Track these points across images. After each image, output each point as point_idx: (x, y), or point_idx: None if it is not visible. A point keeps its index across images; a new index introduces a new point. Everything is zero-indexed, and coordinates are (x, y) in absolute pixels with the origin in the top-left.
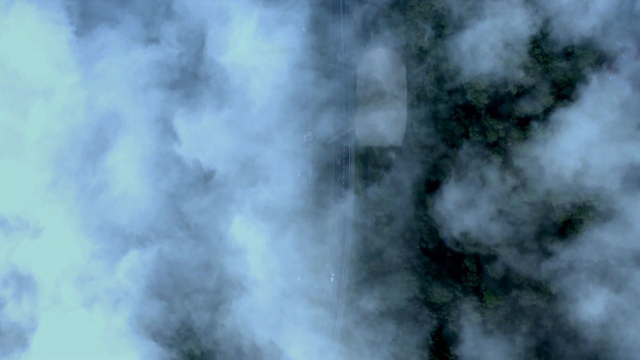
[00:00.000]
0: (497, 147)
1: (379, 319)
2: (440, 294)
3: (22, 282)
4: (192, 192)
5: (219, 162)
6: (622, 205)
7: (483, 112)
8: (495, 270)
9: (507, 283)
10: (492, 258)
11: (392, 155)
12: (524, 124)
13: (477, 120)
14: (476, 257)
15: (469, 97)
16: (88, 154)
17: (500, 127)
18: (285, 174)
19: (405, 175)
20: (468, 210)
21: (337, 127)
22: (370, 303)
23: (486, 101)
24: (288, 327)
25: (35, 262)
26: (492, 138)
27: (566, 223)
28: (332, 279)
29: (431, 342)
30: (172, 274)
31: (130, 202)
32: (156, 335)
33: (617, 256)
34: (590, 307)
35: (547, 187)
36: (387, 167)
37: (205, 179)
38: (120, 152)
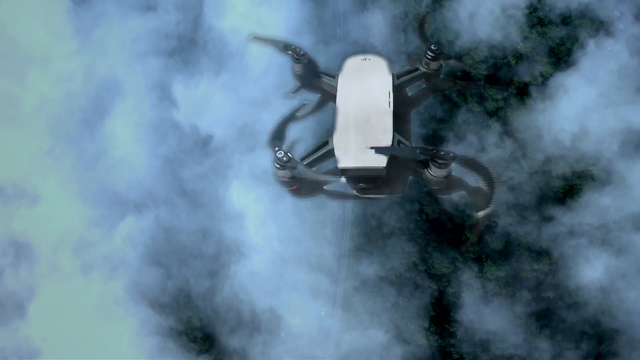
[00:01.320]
0: (497, 116)
1: (379, 285)
2: (440, 264)
3: (20, 250)
4: (190, 158)
5: (217, 127)
6: (621, 170)
7: (482, 82)
8: (495, 241)
9: (508, 253)
10: (493, 228)
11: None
12: (523, 92)
13: (474, 89)
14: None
15: (467, 66)
16: (86, 121)
17: (499, 97)
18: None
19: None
20: (467, 174)
21: None
22: (369, 268)
23: (485, 72)
24: (287, 293)
25: (33, 229)
26: (492, 107)
27: (566, 189)
28: (331, 244)
29: (431, 310)
30: (169, 241)
31: (128, 168)
32: (153, 302)
33: (617, 220)
34: (591, 271)
35: (547, 153)
36: None
37: (203, 145)
38: (118, 119)
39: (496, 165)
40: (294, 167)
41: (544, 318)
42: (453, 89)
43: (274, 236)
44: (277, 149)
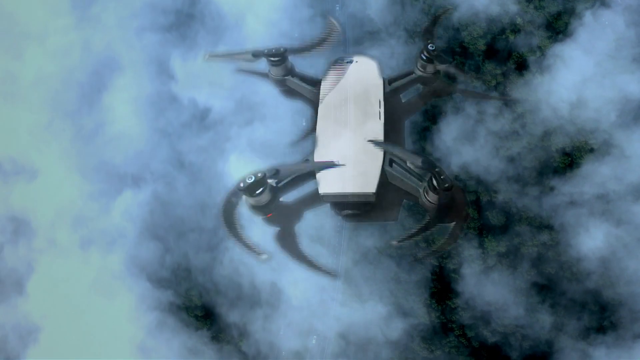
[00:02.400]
0: (496, 90)
1: (378, 258)
2: (440, 239)
3: (19, 226)
4: (188, 131)
5: (215, 99)
6: (619, 139)
7: (481, 58)
8: (496, 217)
9: (508, 226)
10: (493, 204)
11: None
12: (521, 67)
13: (473, 64)
14: (477, 203)
15: (466, 42)
16: (83, 96)
17: (498, 71)
18: (282, 111)
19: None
20: (466, 145)
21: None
22: (368, 240)
23: (483, 47)
24: (287, 265)
25: (32, 205)
26: (492, 83)
27: (566, 161)
28: (330, 216)
29: (432, 285)
30: (167, 214)
31: (126, 141)
32: (152, 276)
33: (617, 190)
34: (592, 241)
35: (545, 124)
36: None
37: (201, 118)
38: (116, 93)
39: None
40: (276, 173)
41: (546, 290)
42: (452, 93)
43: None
44: (241, 184)
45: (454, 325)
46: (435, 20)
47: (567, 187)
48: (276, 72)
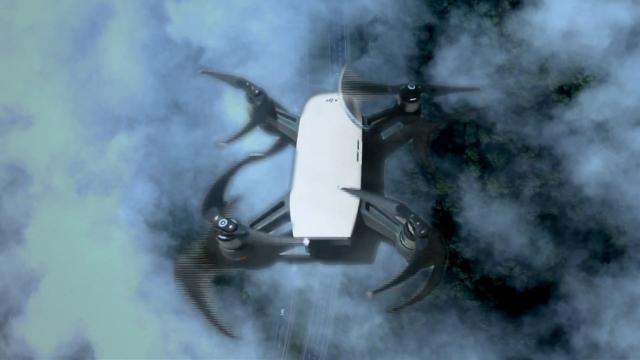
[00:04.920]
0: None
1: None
2: (443, 185)
3: (17, 175)
4: (182, 72)
5: (209, 39)
6: (614, 67)
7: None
8: (497, 159)
9: (510, 169)
10: (494, 145)
11: (382, 27)
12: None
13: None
14: (477, 145)
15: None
16: (77, 42)
17: (494, 13)
18: (275, 49)
19: (397, 45)
20: (463, 76)
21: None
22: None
23: None
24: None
25: (28, 152)
26: (486, 25)
27: (563, 90)
28: None
29: (433, 218)
30: (163, 156)
31: (121, 84)
32: (148, 219)
33: (614, 116)
34: (593, 167)
35: (541, 54)
36: (377, 39)
37: (195, 59)
38: (109, 37)
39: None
40: (245, 234)
41: (548, 222)
42: (435, 130)
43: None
44: (216, 217)
45: (455, 259)
46: (454, 90)
47: (565, 116)
48: (250, 105)
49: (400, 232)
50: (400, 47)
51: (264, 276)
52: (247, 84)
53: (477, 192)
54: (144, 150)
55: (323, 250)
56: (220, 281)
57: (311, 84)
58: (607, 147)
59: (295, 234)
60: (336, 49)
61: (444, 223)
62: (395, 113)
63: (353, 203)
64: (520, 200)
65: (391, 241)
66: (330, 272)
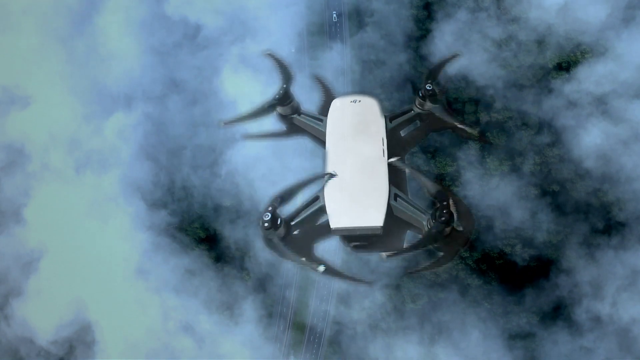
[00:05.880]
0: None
1: None
2: (443, 163)
3: (15, 155)
4: (180, 50)
5: (206, 16)
6: (610, 40)
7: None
8: (497, 137)
9: (510, 146)
10: (493, 123)
11: (379, 3)
12: None
13: None
14: (477, 123)
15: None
16: (75, 20)
17: None
18: (273, 25)
19: (395, 21)
20: (462, 50)
21: None
22: None
23: None
24: (285, 178)
25: (26, 131)
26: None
27: (562, 66)
28: None
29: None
30: (161, 133)
31: (119, 62)
32: (146, 196)
33: (613, 89)
34: (592, 140)
35: (539, 29)
36: (374, 14)
37: (192, 37)
38: (107, 15)
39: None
40: (271, 240)
41: (549, 195)
42: (448, 128)
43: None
44: (270, 208)
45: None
46: (441, 65)
47: (564, 88)
48: (284, 110)
49: (429, 218)
50: (398, 23)
51: (265, 253)
52: (276, 97)
53: (477, 169)
54: (141, 128)
55: (356, 239)
56: (221, 259)
57: (310, 60)
58: (607, 120)
59: (332, 226)
60: (334, 25)
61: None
62: (413, 112)
63: (383, 195)
64: (520, 175)
65: (418, 229)
66: (331, 248)
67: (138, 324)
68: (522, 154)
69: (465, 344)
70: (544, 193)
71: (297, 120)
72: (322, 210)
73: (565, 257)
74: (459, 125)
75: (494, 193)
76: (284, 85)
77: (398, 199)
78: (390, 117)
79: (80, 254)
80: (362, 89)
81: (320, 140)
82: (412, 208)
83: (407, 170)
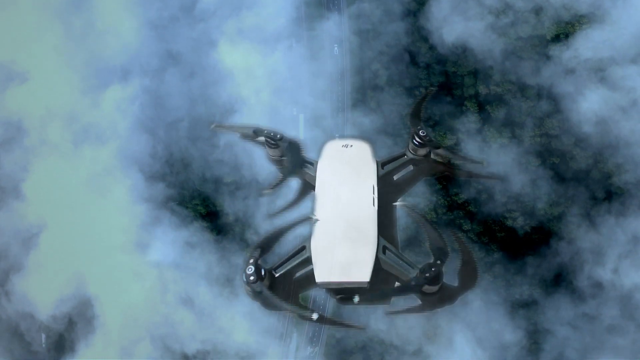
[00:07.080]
0: None
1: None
2: (442, 137)
3: (12, 130)
4: (176, 22)
5: None
6: (606, 7)
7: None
8: (496, 111)
9: (510, 121)
10: (493, 97)
11: None
12: None
13: None
14: (476, 97)
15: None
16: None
17: None
18: None
19: None
20: (460, 21)
21: None
22: (366, 118)
23: None
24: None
25: (24, 106)
26: None
27: (560, 38)
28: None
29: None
30: (158, 106)
31: (115, 35)
32: (145, 168)
33: (610, 55)
34: (591, 105)
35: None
36: None
37: (189, 9)
38: None
39: None
40: (259, 292)
41: (549, 162)
42: (443, 173)
43: (263, 89)
44: (251, 260)
45: (456, 198)
46: (420, 103)
47: (562, 55)
48: (274, 152)
49: (417, 272)
50: None
51: (266, 225)
52: (265, 131)
53: (477, 142)
54: (139, 101)
55: (342, 292)
56: (221, 231)
57: (307, 31)
58: (604, 86)
59: (317, 280)
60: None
61: (444, 176)
62: (406, 157)
63: (371, 249)
64: (520, 144)
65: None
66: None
67: (137, 296)
68: (522, 126)
69: (465, 313)
70: (544, 163)
71: (287, 162)
72: (308, 261)
73: (565, 223)
74: (466, 159)
75: (494, 166)
76: (279, 139)
77: (387, 251)
78: (382, 163)
79: (79, 227)
80: (359, 61)
81: (309, 184)
82: (400, 262)
83: (412, 217)
